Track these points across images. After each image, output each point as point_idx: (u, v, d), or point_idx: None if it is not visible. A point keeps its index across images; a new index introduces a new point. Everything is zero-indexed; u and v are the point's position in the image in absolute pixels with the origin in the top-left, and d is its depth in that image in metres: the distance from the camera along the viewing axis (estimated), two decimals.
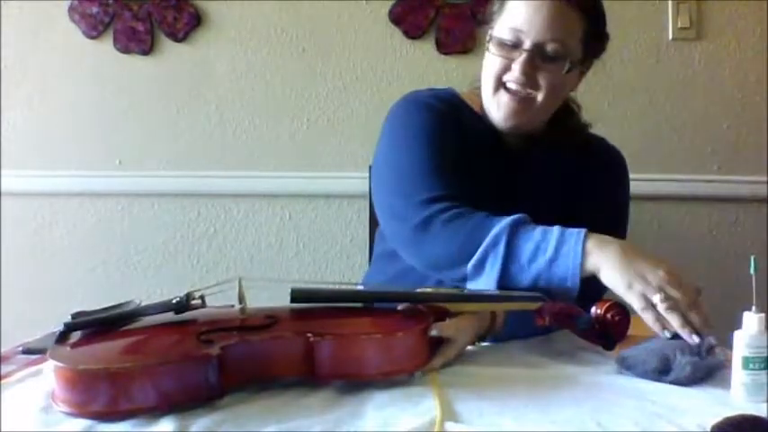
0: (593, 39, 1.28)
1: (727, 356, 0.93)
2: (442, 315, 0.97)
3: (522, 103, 1.23)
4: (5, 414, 0.79)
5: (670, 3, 1.97)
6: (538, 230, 1.09)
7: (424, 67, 1.98)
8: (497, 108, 1.25)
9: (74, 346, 0.88)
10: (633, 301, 1.00)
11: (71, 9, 1.96)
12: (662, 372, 0.90)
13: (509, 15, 1.24)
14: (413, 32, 1.97)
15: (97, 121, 2.00)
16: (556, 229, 1.09)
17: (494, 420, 0.77)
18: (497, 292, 1.06)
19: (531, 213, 1.16)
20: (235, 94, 1.99)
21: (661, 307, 0.98)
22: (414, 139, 1.27)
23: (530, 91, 1.22)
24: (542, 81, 1.22)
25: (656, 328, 0.98)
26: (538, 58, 1.21)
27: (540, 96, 1.23)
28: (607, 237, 1.08)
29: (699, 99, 2.00)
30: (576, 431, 0.75)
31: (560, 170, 1.32)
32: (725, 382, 0.89)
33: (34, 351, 1.02)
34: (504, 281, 1.07)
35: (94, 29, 1.96)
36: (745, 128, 1.99)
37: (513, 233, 1.09)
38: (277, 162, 1.99)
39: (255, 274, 1.98)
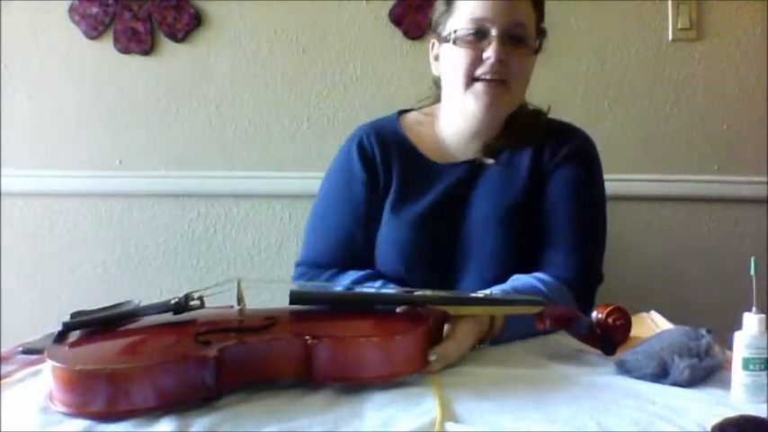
0: (540, 31, 1.32)
1: (727, 357, 0.93)
2: (442, 318, 0.97)
3: (500, 88, 1.25)
4: (5, 414, 0.79)
5: (670, 3, 1.97)
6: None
7: (424, 67, 1.95)
8: (475, 99, 1.26)
9: (72, 346, 0.88)
10: None
11: (71, 9, 1.96)
12: (660, 376, 0.90)
13: (464, 10, 1.26)
14: (413, 32, 1.96)
15: (97, 121, 2.00)
16: None
17: (494, 420, 0.77)
18: (498, 295, 1.06)
19: (486, 230, 1.26)
20: (235, 94, 1.99)
21: None
22: (319, 198, 1.41)
23: (504, 78, 1.24)
24: (514, 66, 1.25)
25: None
26: (506, 44, 1.23)
27: (513, 82, 1.26)
28: None
29: (699, 99, 2.00)
30: (576, 431, 0.75)
31: (519, 172, 1.31)
32: (724, 383, 0.89)
33: (34, 351, 1.02)
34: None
35: (95, 29, 1.96)
36: (745, 128, 1.99)
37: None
38: (277, 162, 1.99)
39: (255, 274, 1.98)
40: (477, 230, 1.29)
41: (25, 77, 1.99)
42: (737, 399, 0.84)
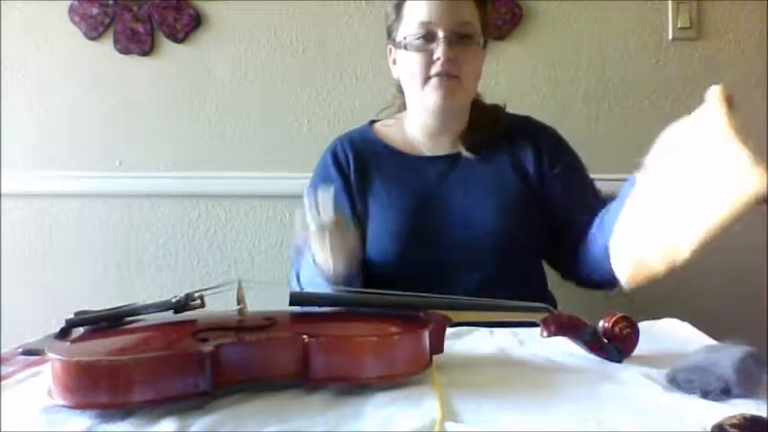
0: (486, 26, 1.39)
1: None
2: (443, 321, 0.97)
3: (453, 81, 1.34)
4: (5, 414, 0.79)
5: (670, 3, 1.97)
6: None
7: None
8: (432, 92, 1.34)
9: (73, 341, 0.88)
10: None
11: (71, 10, 1.96)
12: (724, 392, 0.85)
13: (411, 16, 1.35)
14: None
15: (97, 121, 2.00)
16: None
17: (494, 420, 0.77)
18: (502, 301, 1.05)
19: (468, 214, 1.34)
20: (235, 94, 2.00)
21: None
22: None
23: (456, 74, 1.33)
24: (463, 63, 1.34)
25: None
26: (454, 43, 1.32)
27: (464, 77, 1.34)
28: None
29: (699, 99, 1.98)
30: (576, 430, 0.75)
31: (492, 164, 1.41)
32: None
33: (34, 352, 1.02)
34: None
35: (95, 30, 1.96)
36: (744, 128, 1.99)
37: None
38: (277, 163, 1.99)
39: (256, 274, 1.98)
40: (473, 219, 1.36)
41: (25, 78, 1.99)
42: None
